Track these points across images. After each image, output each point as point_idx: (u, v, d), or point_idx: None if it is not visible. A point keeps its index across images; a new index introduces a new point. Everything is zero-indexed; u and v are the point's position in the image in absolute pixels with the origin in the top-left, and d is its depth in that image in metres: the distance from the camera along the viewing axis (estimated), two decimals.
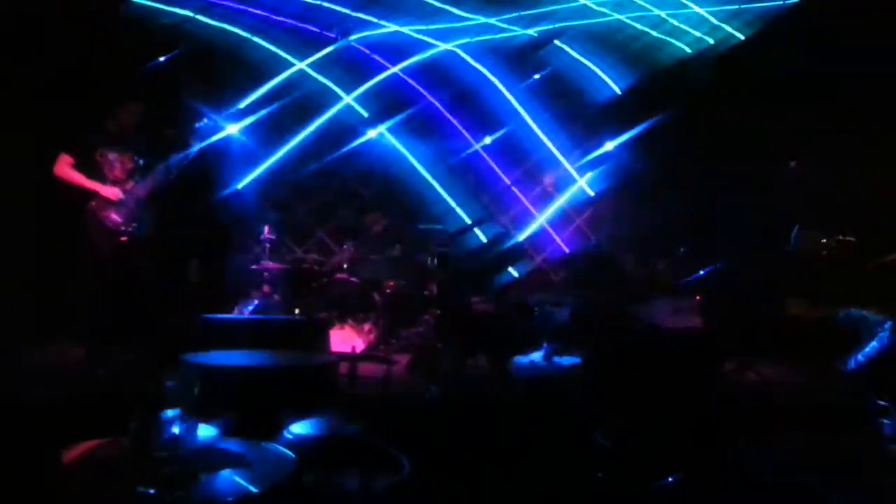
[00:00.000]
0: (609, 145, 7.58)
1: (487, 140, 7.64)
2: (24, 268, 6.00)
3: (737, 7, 6.83)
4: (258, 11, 6.69)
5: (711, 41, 7.29)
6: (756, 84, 6.98)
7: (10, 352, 5.26)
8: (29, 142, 5.78)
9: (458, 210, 7.62)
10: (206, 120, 5.76)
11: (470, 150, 7.61)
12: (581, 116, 7.79)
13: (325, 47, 7.15)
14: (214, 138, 6.34)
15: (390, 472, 3.07)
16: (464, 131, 7.63)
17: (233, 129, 6.85)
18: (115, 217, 5.39)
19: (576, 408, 4.56)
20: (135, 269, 5.52)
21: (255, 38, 6.90)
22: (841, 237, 6.24)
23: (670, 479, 3.52)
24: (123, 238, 5.42)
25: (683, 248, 6.31)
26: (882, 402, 4.28)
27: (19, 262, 5.96)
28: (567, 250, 7.76)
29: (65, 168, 5.32)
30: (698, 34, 7.24)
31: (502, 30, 7.25)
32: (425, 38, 7.32)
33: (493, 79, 7.55)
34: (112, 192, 5.39)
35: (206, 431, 2.60)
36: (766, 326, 6.18)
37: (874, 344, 5.04)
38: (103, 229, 5.37)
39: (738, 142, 7.05)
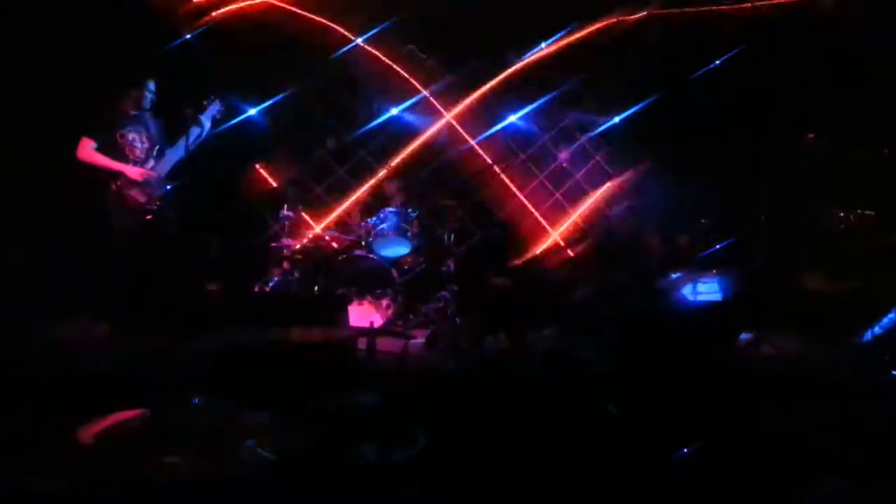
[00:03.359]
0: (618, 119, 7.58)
1: (514, 118, 7.62)
2: (46, 245, 6.09)
3: None
4: None
5: None
6: (773, 56, 6.91)
7: (34, 327, 5.38)
8: (43, 124, 5.86)
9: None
10: (217, 100, 5.83)
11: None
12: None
13: None
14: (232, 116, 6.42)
15: (408, 445, 3.13)
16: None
17: (252, 108, 6.91)
18: (139, 196, 5.49)
19: (591, 380, 4.61)
20: (159, 246, 5.62)
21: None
22: (859, 211, 6.23)
23: (685, 451, 3.56)
24: (148, 216, 5.52)
25: (704, 220, 6.27)
26: None
27: (42, 239, 6.05)
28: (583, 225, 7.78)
29: (88, 151, 5.41)
30: None
31: None
32: None
33: None
34: (137, 171, 5.48)
35: (227, 404, 2.68)
36: (783, 300, 6.17)
37: (891, 316, 5.05)
38: (128, 209, 5.47)
39: (754, 115, 7.00)
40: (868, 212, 6.27)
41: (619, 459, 3.60)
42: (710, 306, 5.95)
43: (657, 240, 6.41)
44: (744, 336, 5.52)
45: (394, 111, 7.38)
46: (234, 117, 6.63)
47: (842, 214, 6.36)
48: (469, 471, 3.60)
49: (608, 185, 7.83)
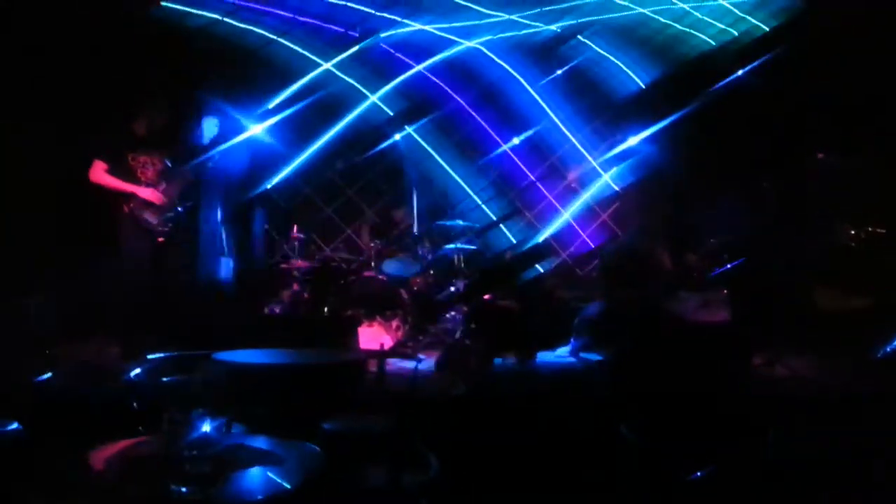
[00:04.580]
0: (634, 140, 7.57)
1: (516, 140, 7.65)
2: (59, 266, 6.12)
3: None
4: (283, 13, 6.76)
5: (735, 33, 7.23)
6: (784, 74, 6.91)
7: (46, 349, 5.39)
8: (55, 147, 5.91)
9: (484, 207, 7.65)
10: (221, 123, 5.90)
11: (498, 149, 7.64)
12: (605, 111, 7.77)
13: (349, 47, 7.21)
14: (240, 138, 6.46)
15: (419, 469, 3.11)
16: (488, 128, 7.65)
17: (260, 129, 6.94)
18: (151, 218, 5.52)
19: (603, 403, 4.57)
20: (170, 268, 5.65)
21: (280, 40, 6.96)
22: (871, 228, 6.20)
23: (699, 474, 3.53)
24: (161, 238, 5.55)
25: (713, 239, 6.24)
26: None
27: (55, 261, 6.08)
28: (592, 245, 7.77)
29: (101, 174, 5.45)
30: (722, 26, 7.17)
31: (525, 26, 7.24)
32: (449, 37, 7.34)
33: (516, 76, 7.57)
34: (149, 193, 5.51)
35: (236, 429, 2.67)
36: (795, 319, 6.12)
37: None
38: (141, 231, 5.50)
39: (766, 133, 7.00)
40: (879, 229, 6.24)
41: (631, 482, 3.57)
42: (722, 326, 5.91)
43: (668, 258, 6.37)
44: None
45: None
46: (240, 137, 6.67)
47: (852, 232, 6.33)
48: (481, 496, 3.57)
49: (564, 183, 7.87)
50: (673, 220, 6.81)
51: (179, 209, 5.68)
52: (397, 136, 7.42)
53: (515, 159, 7.82)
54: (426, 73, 7.45)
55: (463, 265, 6.68)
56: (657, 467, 3.59)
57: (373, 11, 6.86)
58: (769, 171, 6.93)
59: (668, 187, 7.33)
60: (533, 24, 7.22)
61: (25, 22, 5.75)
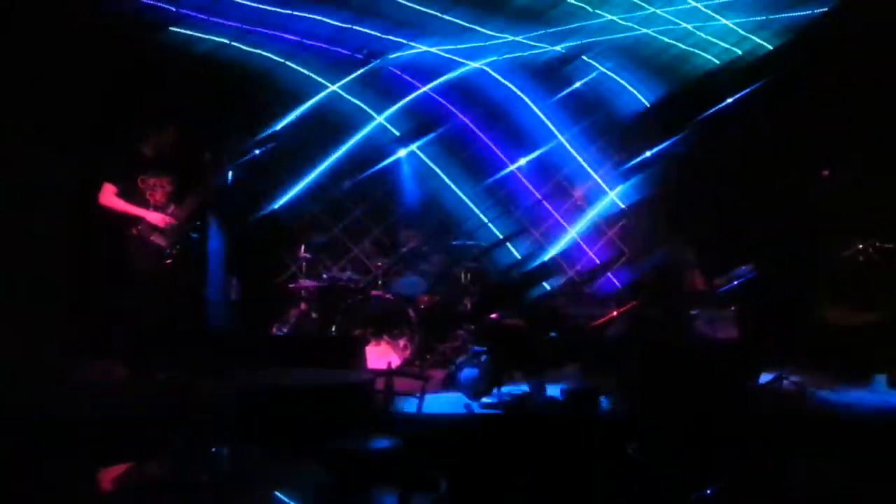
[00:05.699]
0: (639, 158, 7.60)
1: (522, 161, 7.68)
2: (69, 286, 6.16)
3: (764, 18, 6.77)
4: (290, 36, 6.83)
5: (739, 52, 7.27)
6: (789, 92, 6.94)
7: (55, 370, 5.42)
8: (65, 170, 5.96)
9: (491, 225, 7.67)
10: (239, 144, 5.95)
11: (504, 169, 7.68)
12: (610, 130, 7.81)
13: (356, 69, 7.28)
14: (248, 159, 6.51)
15: (427, 489, 3.12)
16: (495, 148, 7.70)
17: (268, 151, 6.99)
18: (159, 241, 5.56)
19: (611, 421, 4.57)
20: (178, 290, 5.68)
21: (289, 63, 7.04)
22: (879, 244, 6.18)
23: (707, 492, 3.52)
24: (169, 261, 5.59)
25: (746, 266, 6.18)
26: None
27: (63, 280, 6.12)
28: (598, 262, 7.79)
29: (110, 197, 5.51)
30: (726, 45, 7.21)
31: (530, 47, 7.30)
32: (454, 58, 7.40)
33: (522, 96, 7.62)
34: (157, 217, 5.56)
35: (246, 451, 2.69)
36: (803, 335, 6.11)
37: None
38: (149, 253, 5.54)
39: (773, 149, 7.02)
40: (887, 244, 6.23)
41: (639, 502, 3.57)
42: (731, 343, 5.90)
43: (701, 278, 6.33)
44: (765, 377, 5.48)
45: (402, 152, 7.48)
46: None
47: (861, 246, 6.32)
48: None
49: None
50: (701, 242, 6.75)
51: (188, 231, 5.72)
52: (402, 154, 7.47)
53: (521, 178, 7.85)
54: (433, 94, 7.51)
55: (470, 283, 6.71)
56: (664, 487, 3.59)
57: (379, 34, 6.92)
58: (775, 187, 6.94)
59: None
60: (537, 45, 7.28)
61: (36, 42, 5.82)
